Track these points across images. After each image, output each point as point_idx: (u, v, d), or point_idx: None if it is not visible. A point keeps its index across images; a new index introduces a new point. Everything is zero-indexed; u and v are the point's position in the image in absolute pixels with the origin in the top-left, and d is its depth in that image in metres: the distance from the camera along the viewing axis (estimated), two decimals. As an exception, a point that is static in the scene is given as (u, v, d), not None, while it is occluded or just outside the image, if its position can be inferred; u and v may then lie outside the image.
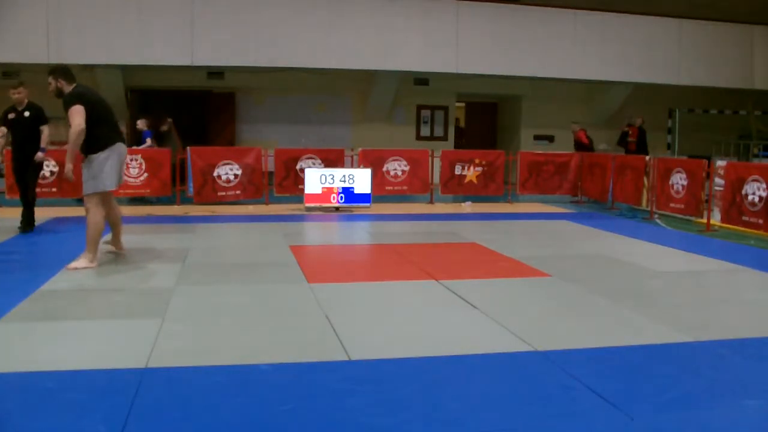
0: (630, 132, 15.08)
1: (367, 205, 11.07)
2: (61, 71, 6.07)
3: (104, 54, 12.99)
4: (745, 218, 8.94)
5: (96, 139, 5.98)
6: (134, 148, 11.87)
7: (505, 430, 2.98)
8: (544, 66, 15.06)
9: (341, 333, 4.23)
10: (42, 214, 9.65)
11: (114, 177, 6.10)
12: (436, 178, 12.76)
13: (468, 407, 3.18)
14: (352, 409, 3.13)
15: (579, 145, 14.31)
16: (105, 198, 6.22)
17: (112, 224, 6.59)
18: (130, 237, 8.06)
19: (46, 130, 8.10)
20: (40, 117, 8.06)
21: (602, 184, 12.44)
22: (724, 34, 16.12)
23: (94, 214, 6.05)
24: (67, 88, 6.03)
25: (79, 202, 8.27)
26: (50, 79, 6.04)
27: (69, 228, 8.69)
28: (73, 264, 6.06)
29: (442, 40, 14.50)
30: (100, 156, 6.00)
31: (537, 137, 17.27)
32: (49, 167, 10.98)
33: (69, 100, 5.91)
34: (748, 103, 17.30)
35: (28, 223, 8.18)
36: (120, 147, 6.16)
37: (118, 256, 6.70)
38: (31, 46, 12.70)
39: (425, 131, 17.22)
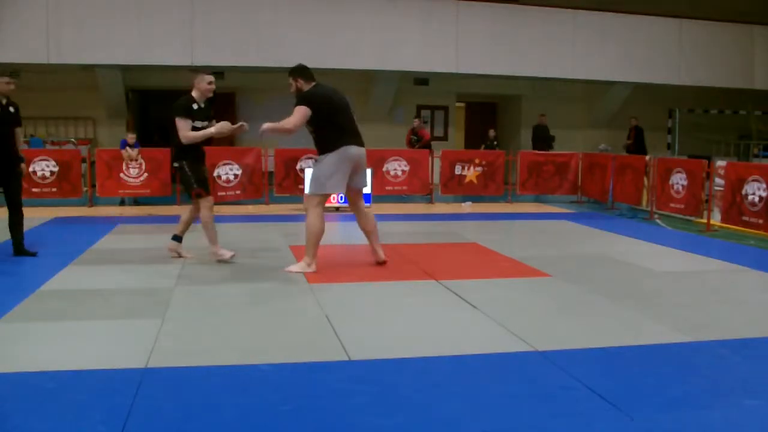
0: (629, 135, 15.20)
1: (367, 205, 11.02)
2: (299, 71, 5.95)
3: (104, 54, 12.99)
4: (745, 218, 8.94)
5: (324, 140, 5.84)
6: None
7: (505, 430, 2.98)
8: (544, 66, 15.06)
9: (341, 333, 4.22)
10: (42, 213, 9.65)
11: (339, 182, 5.88)
12: (436, 178, 12.76)
13: (468, 407, 3.18)
14: (351, 409, 3.13)
15: (418, 142, 14.48)
16: (353, 200, 6.19)
17: (365, 233, 6.34)
18: (130, 237, 8.08)
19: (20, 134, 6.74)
20: (18, 116, 6.60)
21: (602, 184, 12.43)
22: (724, 34, 16.11)
23: (312, 216, 5.91)
24: (306, 87, 5.91)
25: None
26: (290, 80, 5.96)
27: (69, 228, 8.70)
28: (290, 267, 6.02)
29: (442, 40, 14.50)
30: (327, 158, 5.82)
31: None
32: (49, 167, 10.99)
33: (297, 99, 5.85)
34: (748, 103, 17.30)
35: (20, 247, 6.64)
36: (348, 150, 5.83)
37: (119, 256, 6.70)
38: (31, 45, 12.70)
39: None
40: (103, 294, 5.23)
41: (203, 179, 6.38)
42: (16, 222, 6.55)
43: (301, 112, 5.75)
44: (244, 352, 3.89)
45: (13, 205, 6.53)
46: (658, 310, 4.89)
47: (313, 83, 5.94)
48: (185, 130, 6.13)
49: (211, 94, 6.37)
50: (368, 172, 11.12)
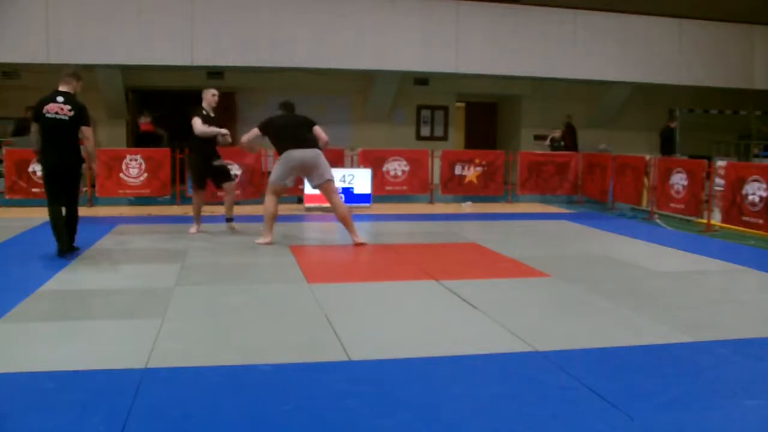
0: (563, 132, 15.49)
1: (367, 205, 11.06)
2: (281, 105, 7.71)
3: (104, 54, 12.99)
4: (745, 218, 8.94)
5: (277, 150, 7.51)
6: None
7: (505, 430, 2.98)
8: (544, 66, 15.06)
9: (341, 333, 4.23)
10: (42, 214, 9.65)
11: (282, 176, 7.35)
12: (436, 178, 12.76)
13: (468, 407, 3.18)
14: (351, 409, 3.13)
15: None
16: (325, 195, 7.53)
17: (341, 221, 7.53)
18: (130, 237, 8.08)
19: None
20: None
21: (602, 184, 12.44)
22: (724, 34, 16.11)
23: (268, 201, 7.48)
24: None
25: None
26: None
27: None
28: (257, 239, 7.52)
29: (442, 40, 14.49)
30: (278, 161, 7.48)
31: (537, 137, 17.27)
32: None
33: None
34: (748, 103, 17.29)
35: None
36: (290, 155, 7.28)
37: (119, 256, 6.71)
38: (30, 45, 12.70)
39: (425, 131, 17.22)
40: (103, 294, 5.23)
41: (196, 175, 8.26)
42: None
43: (252, 131, 7.58)
44: (244, 352, 3.89)
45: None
46: (658, 310, 4.89)
47: (280, 114, 7.60)
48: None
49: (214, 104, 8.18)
50: (368, 172, 11.23)
